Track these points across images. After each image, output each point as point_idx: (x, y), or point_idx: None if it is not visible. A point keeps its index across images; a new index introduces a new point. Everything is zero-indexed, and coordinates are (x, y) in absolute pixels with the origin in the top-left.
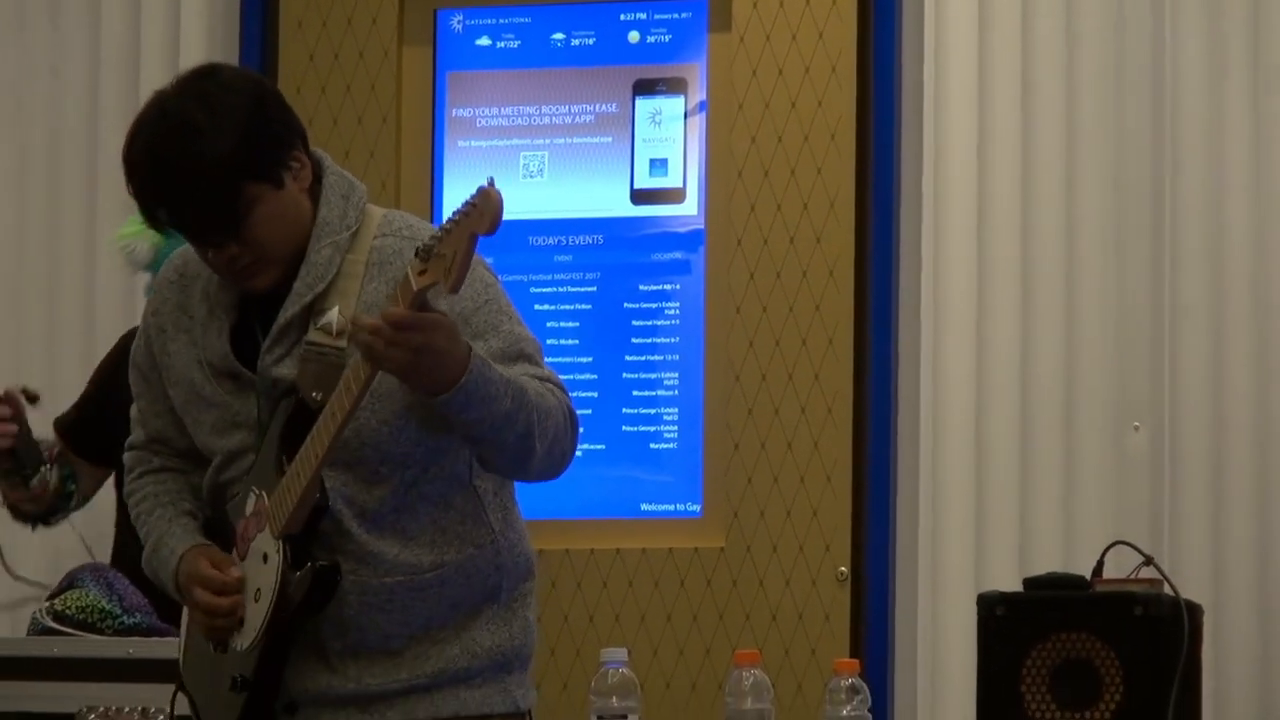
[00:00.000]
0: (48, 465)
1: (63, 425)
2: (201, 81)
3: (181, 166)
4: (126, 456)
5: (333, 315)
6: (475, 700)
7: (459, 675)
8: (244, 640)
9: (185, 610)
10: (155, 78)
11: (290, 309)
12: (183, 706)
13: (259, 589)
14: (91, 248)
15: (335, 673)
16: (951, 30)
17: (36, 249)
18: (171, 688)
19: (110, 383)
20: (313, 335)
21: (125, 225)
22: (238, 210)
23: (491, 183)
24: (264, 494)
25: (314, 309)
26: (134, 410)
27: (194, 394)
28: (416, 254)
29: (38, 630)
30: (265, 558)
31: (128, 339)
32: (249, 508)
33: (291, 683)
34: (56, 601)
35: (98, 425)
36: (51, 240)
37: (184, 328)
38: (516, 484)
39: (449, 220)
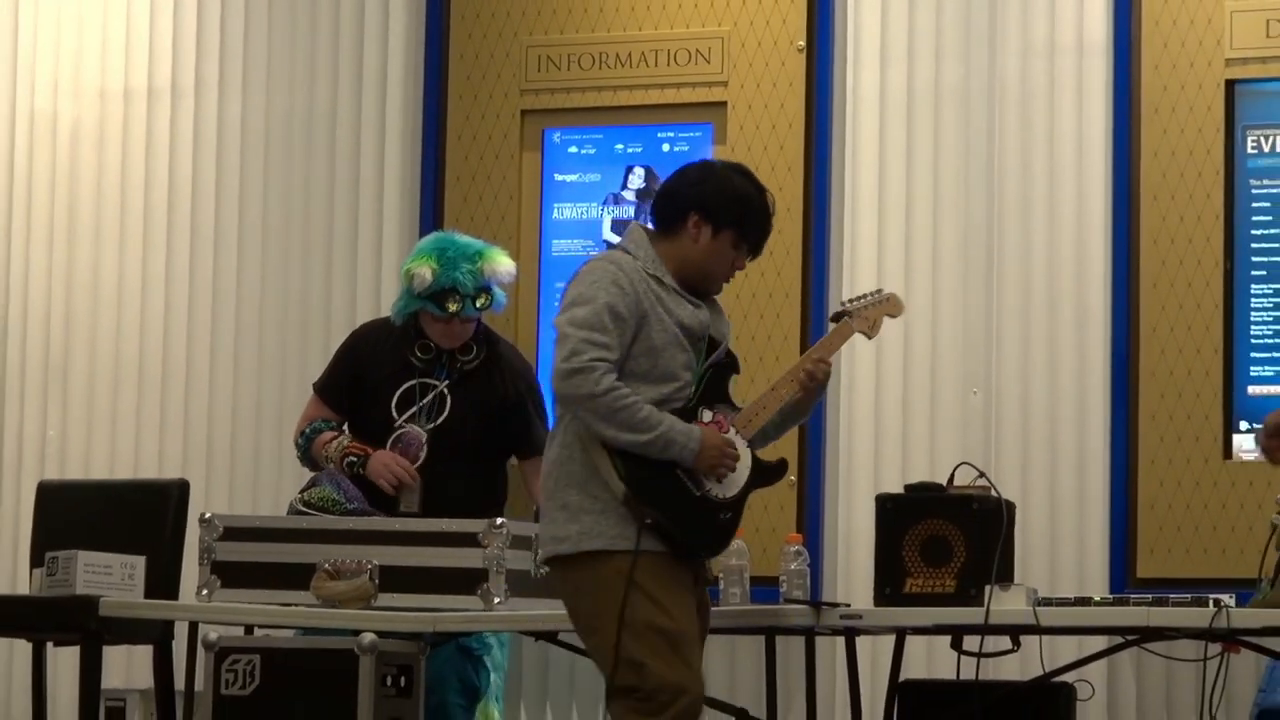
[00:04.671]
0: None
1: (318, 386)
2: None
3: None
4: (601, 365)
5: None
6: None
7: None
8: (730, 491)
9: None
10: (371, 197)
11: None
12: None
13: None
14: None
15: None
16: (862, 144)
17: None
18: (370, 547)
19: (347, 359)
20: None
21: (412, 259)
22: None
23: (895, 294)
24: (712, 412)
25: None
26: (605, 338)
27: (675, 340)
28: (847, 313)
29: (293, 512)
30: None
31: (356, 331)
32: (704, 418)
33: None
34: (304, 494)
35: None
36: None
37: (658, 300)
38: None
39: (869, 295)
